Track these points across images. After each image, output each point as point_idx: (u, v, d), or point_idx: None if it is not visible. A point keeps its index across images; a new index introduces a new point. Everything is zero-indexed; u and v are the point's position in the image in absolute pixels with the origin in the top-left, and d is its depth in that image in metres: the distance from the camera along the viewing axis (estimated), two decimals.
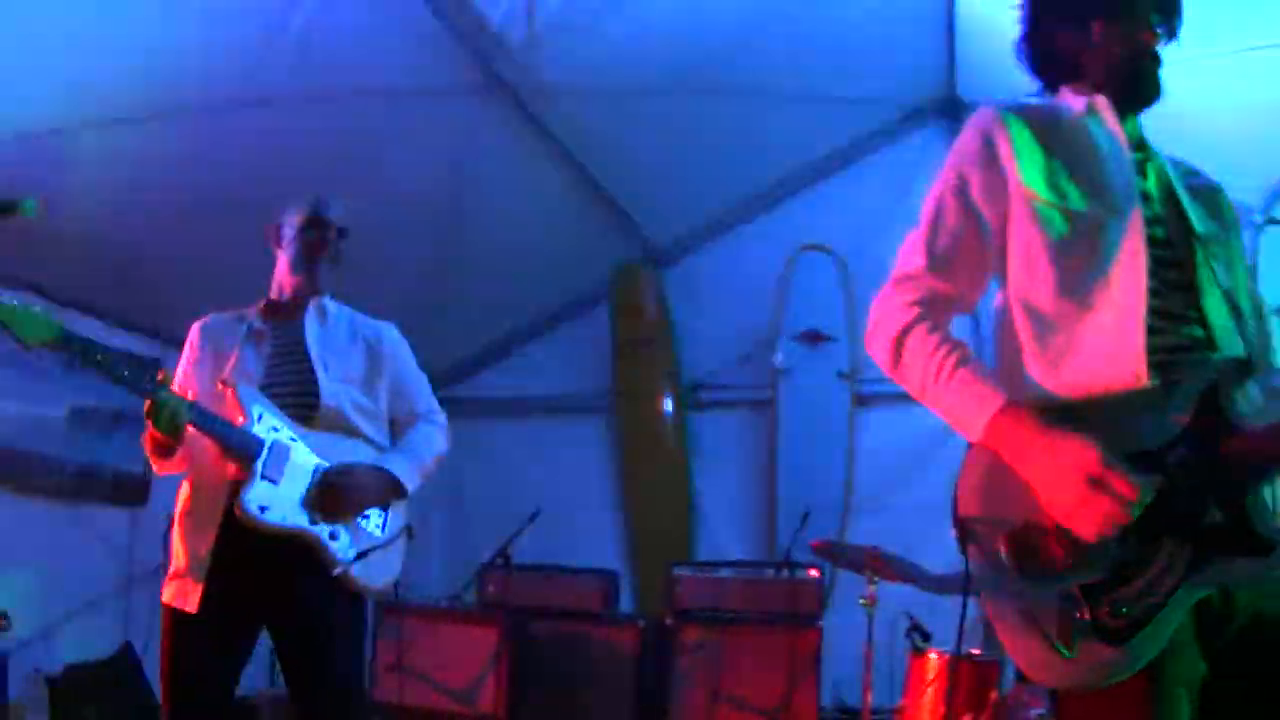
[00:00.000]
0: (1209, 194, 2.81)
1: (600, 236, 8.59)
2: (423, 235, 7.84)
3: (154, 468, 4.28)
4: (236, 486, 4.05)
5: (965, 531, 2.52)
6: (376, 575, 4.31)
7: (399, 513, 4.45)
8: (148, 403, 3.93)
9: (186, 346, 4.49)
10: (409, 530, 4.48)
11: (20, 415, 7.13)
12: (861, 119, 8.20)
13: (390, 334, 4.65)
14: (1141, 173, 2.72)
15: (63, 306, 7.05)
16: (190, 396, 4.14)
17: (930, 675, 5.87)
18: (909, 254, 2.74)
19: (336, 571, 4.10)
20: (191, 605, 4.02)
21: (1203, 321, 2.57)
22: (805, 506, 7.35)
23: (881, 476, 8.01)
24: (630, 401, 8.88)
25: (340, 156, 6.75)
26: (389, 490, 4.36)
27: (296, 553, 4.10)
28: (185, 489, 4.27)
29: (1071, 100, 2.83)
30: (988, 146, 2.72)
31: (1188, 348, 2.55)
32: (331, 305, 4.57)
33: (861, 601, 6.09)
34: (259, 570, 4.06)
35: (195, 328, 4.52)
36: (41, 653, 6.92)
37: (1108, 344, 2.51)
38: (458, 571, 7.99)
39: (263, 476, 4.05)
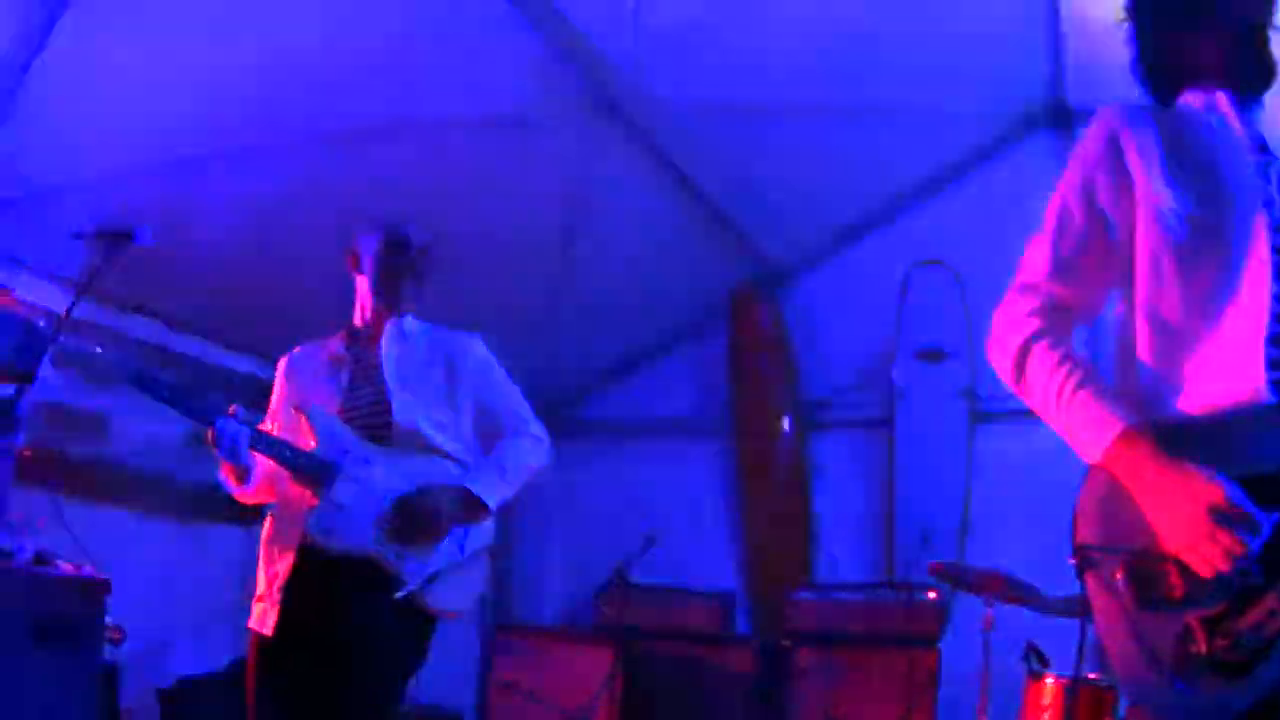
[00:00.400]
0: None
1: (715, 257, 8.51)
2: (538, 259, 7.82)
3: (234, 495, 4.28)
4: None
5: (1082, 558, 2.46)
6: (451, 596, 4.21)
7: (482, 531, 4.35)
8: (209, 431, 3.98)
9: (276, 380, 4.53)
10: (492, 550, 4.39)
11: (140, 435, 7.18)
12: (972, 131, 8.02)
13: (472, 346, 4.53)
14: (1265, 177, 2.58)
15: (178, 330, 7.39)
16: (275, 427, 4.26)
17: (1046, 700, 5.67)
18: (1031, 259, 2.67)
19: (399, 595, 4.00)
20: (268, 628, 4.02)
21: None
22: (924, 526, 7.34)
23: (1001, 495, 7.73)
24: (748, 422, 8.75)
25: (451, 185, 6.79)
26: (469, 509, 4.22)
27: (367, 575, 4.04)
28: (270, 519, 4.27)
29: (1191, 100, 2.73)
30: (1113, 147, 2.63)
31: None
32: (413, 324, 4.48)
33: (981, 625, 5.97)
34: (331, 593, 4.02)
35: (282, 361, 4.54)
36: (155, 666, 6.99)
37: (1231, 358, 2.40)
38: (574, 592, 8.03)
39: (330, 499, 4.03)
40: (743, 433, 8.77)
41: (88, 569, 5.15)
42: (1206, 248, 2.48)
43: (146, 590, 6.71)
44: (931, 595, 6.86)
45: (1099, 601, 2.41)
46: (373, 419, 4.22)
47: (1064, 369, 2.49)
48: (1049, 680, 5.69)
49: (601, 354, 9.28)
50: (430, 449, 4.25)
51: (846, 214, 8.48)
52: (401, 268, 4.38)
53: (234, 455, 4.00)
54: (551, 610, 8.04)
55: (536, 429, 4.52)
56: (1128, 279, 2.59)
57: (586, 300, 8.21)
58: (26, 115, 5.66)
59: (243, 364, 7.89)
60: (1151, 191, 2.54)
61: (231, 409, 4.04)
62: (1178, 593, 2.27)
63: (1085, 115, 7.38)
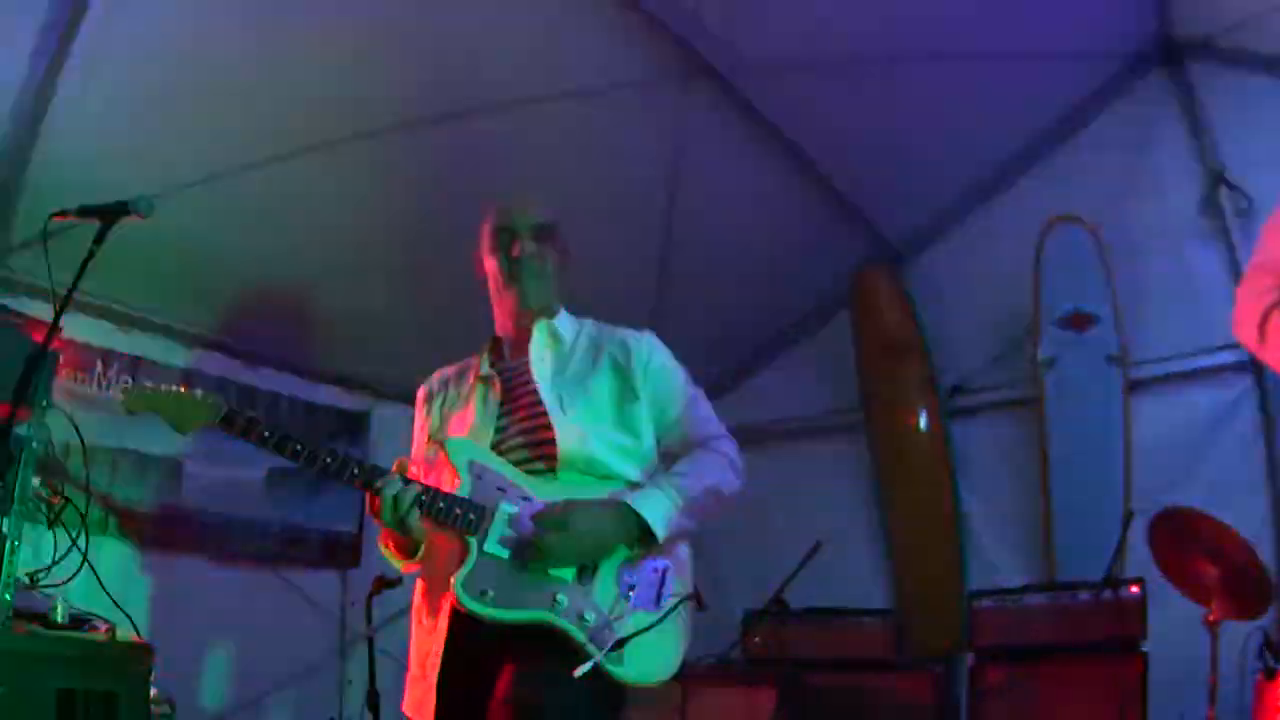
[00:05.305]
0: None
1: (830, 236, 7.54)
2: (636, 249, 7.02)
3: (401, 569, 3.35)
4: None
5: None
6: (648, 664, 3.12)
7: (680, 576, 3.28)
8: (371, 499, 3.10)
9: (416, 413, 3.64)
10: (696, 597, 3.27)
11: (219, 479, 6.46)
12: (1084, 76, 7.11)
13: (642, 346, 3.47)
14: None
15: (254, 364, 6.80)
16: (419, 473, 3.34)
17: None
18: (1265, 241, 2.99)
19: (579, 673, 2.93)
20: (426, 716, 3.14)
21: None
22: (1085, 511, 6.59)
23: (1164, 466, 6.63)
24: (883, 416, 7.69)
25: (536, 169, 5.90)
26: (626, 533, 3.14)
27: (541, 646, 3.05)
28: (419, 582, 3.40)
29: None
30: None
31: None
32: (567, 326, 3.52)
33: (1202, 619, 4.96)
34: (497, 672, 3.07)
35: (421, 390, 3.66)
36: None
37: None
38: (710, 627, 6.81)
39: (484, 551, 3.08)
40: (878, 428, 7.72)
41: (129, 631, 4.31)
42: None
43: (235, 645, 6.31)
44: (1134, 590, 5.70)
45: None
46: (536, 448, 3.26)
47: None
48: None
49: (714, 354, 8.08)
50: (609, 478, 3.27)
51: (965, 177, 7.52)
52: (519, 258, 3.44)
53: (403, 524, 3.07)
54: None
55: (727, 445, 3.42)
56: None
57: (690, 295, 7.27)
58: (63, 132, 5.07)
59: (329, 396, 7.23)
60: None
61: (396, 465, 3.19)
62: None
63: (1194, 50, 6.87)
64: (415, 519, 3.08)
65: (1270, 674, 4.71)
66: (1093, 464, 6.82)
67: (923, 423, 7.51)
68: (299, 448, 3.06)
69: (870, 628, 6.59)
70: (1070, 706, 5.58)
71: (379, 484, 3.06)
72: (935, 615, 6.96)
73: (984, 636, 6.12)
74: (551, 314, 3.50)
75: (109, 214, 3.29)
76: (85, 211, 3.32)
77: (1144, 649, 5.58)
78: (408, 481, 3.11)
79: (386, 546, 3.29)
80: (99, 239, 3.29)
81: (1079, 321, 6.93)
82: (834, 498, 7.83)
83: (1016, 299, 7.17)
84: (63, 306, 3.32)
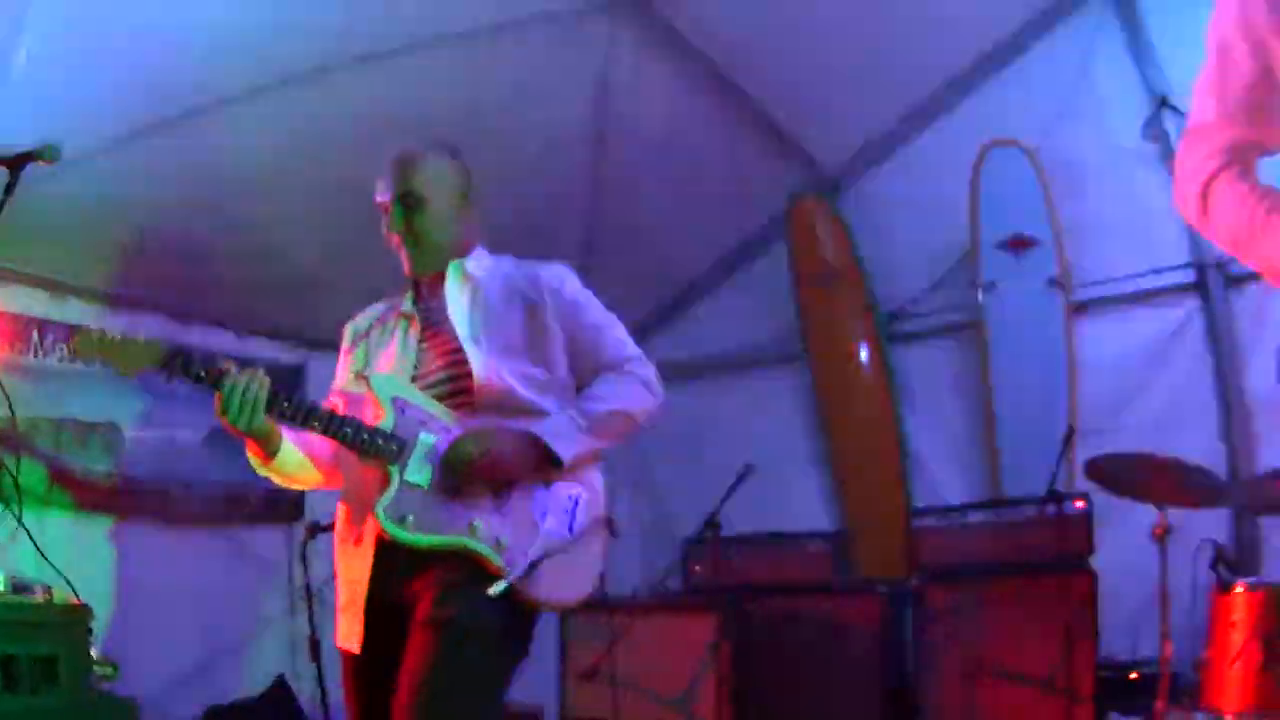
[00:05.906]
0: None
1: (764, 167, 7.42)
2: (564, 187, 6.98)
3: (271, 478, 3.38)
4: None
5: None
6: (561, 585, 3.23)
7: (593, 501, 3.36)
8: (217, 398, 3.07)
9: (341, 348, 3.69)
10: (609, 522, 3.37)
11: (159, 442, 6.45)
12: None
13: (550, 276, 3.47)
14: None
15: (189, 322, 6.72)
16: (341, 404, 3.41)
17: (1238, 615, 4.60)
18: (1199, 103, 2.46)
19: (493, 591, 3.04)
20: (354, 644, 3.20)
21: None
22: (1029, 433, 6.56)
23: (1109, 390, 6.66)
24: (822, 345, 7.65)
25: (458, 108, 5.83)
26: (532, 461, 3.20)
27: (457, 569, 3.11)
28: (340, 510, 3.40)
29: None
30: None
31: None
32: (480, 263, 3.53)
33: (1151, 532, 4.97)
34: (417, 597, 3.13)
35: (345, 329, 3.71)
36: (204, 688, 6.27)
37: None
38: (653, 557, 7.12)
39: (406, 480, 3.15)
40: (817, 357, 7.69)
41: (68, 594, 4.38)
42: None
43: (185, 607, 6.20)
44: (1079, 505, 5.67)
45: None
46: (454, 382, 3.33)
47: (1253, 198, 2.25)
48: (1239, 590, 4.65)
49: (650, 290, 8.17)
50: (523, 410, 3.30)
51: (902, 103, 7.38)
52: (390, 233, 3.45)
53: (244, 416, 3.05)
54: (630, 581, 6.97)
55: (639, 366, 3.46)
56: None
57: (623, 231, 7.29)
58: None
59: (263, 349, 7.08)
60: None
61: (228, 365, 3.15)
62: None
63: None
64: (257, 412, 3.09)
65: (1225, 587, 4.69)
66: (1036, 385, 6.83)
67: (862, 350, 7.49)
68: (203, 371, 3.06)
69: (813, 551, 6.52)
70: (1019, 627, 5.55)
71: (222, 380, 3.04)
72: (881, 539, 6.94)
73: (927, 557, 6.09)
74: (462, 254, 3.50)
75: (16, 161, 3.22)
76: None
77: (1092, 566, 5.53)
78: (252, 377, 3.10)
79: (250, 451, 3.27)
80: (8, 189, 3.21)
81: (1018, 245, 6.88)
82: (777, 429, 7.79)
83: (955, 224, 7.12)
84: None
